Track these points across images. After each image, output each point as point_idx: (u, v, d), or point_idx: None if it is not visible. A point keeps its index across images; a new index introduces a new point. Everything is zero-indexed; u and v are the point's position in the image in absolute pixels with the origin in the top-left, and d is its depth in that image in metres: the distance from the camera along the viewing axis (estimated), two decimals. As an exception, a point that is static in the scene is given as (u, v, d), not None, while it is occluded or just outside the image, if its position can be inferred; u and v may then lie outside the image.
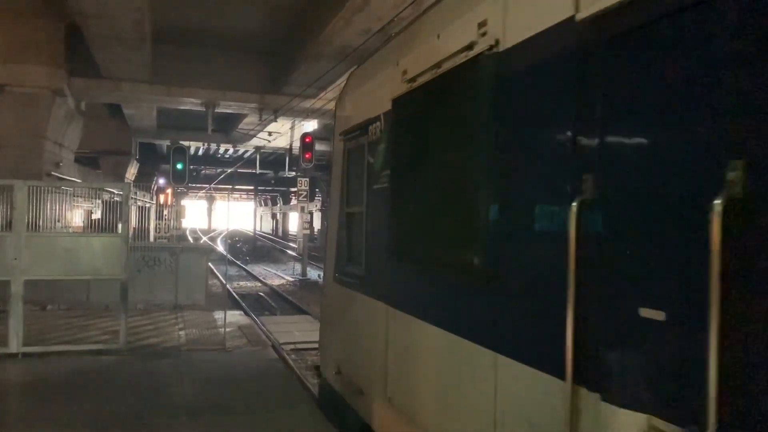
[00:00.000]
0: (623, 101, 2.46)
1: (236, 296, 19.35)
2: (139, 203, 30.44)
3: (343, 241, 6.52)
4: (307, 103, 17.61)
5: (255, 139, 27.92)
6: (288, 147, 30.01)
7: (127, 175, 28.90)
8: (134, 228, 26.29)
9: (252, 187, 56.12)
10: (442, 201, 4.03)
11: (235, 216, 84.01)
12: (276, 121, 22.47)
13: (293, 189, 39.00)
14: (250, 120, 24.08)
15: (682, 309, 2.12)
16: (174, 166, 20.74)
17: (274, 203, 77.46)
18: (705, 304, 1.94)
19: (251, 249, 44.89)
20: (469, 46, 3.69)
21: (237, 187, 61.42)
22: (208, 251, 17.03)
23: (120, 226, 9.61)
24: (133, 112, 24.01)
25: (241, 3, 15.07)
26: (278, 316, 16.79)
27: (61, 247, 8.97)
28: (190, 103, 20.47)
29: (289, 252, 41.40)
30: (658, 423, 2.14)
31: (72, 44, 16.45)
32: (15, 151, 16.06)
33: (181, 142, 23.15)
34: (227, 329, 10.64)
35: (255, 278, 26.48)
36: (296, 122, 23.89)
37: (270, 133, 26.15)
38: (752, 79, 1.92)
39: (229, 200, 68.14)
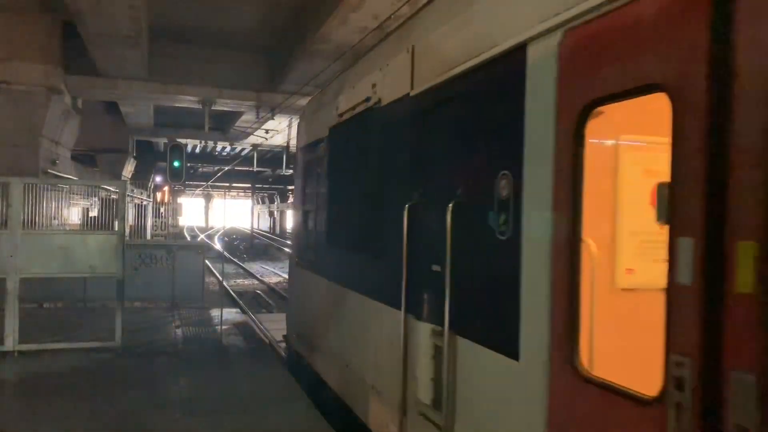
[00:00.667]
0: (429, 145, 4.27)
1: (233, 294, 19.34)
2: (137, 201, 30.43)
3: (301, 233, 8.52)
4: (304, 101, 17.57)
5: (252, 136, 27.87)
6: (285, 145, 29.97)
7: (124, 173, 28.87)
8: (132, 226, 26.36)
9: (249, 185, 56.03)
10: (354, 205, 5.87)
11: (233, 214, 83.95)
12: (273, 119, 22.45)
13: (291, 187, 38.97)
14: (248, 118, 24.03)
15: (443, 264, 3.80)
16: (171, 163, 20.70)
17: (272, 201, 77.39)
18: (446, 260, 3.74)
19: (248, 247, 44.87)
20: (367, 99, 5.51)
21: (234, 185, 61.40)
22: (205, 249, 17.02)
23: (116, 223, 9.61)
24: (130, 109, 23.95)
25: (238, 0, 15.05)
26: (275, 314, 16.78)
27: (57, 244, 8.96)
28: (187, 101, 20.44)
29: (287, 249, 41.41)
30: (435, 328, 4.01)
31: (68, 41, 16.41)
32: (11, 149, 16.02)
33: (179, 140, 23.12)
34: (224, 327, 10.66)
35: (252, 276, 26.48)
36: (293, 120, 23.86)
37: (267, 131, 26.12)
38: (467, 141, 3.77)
39: (225, 198, 68.12)
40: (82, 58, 16.57)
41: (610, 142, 3.14)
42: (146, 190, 36.39)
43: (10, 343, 8.62)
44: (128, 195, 27.58)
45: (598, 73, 2.66)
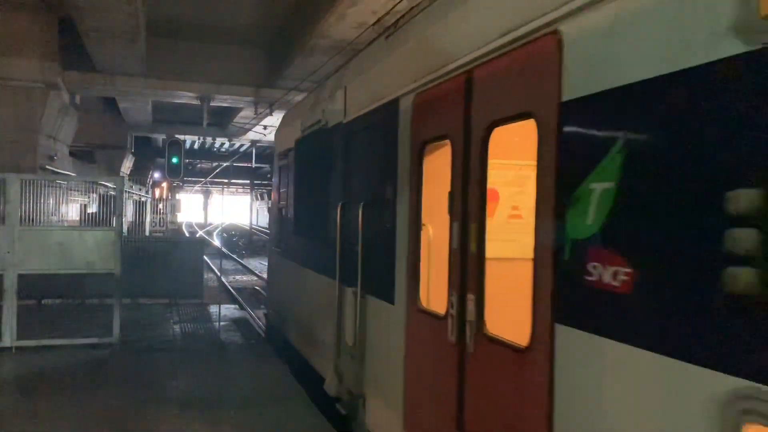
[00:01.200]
0: (353, 159, 5.99)
1: (232, 290, 19.33)
2: (135, 197, 30.38)
3: (276, 225, 10.37)
4: (302, 97, 17.53)
5: (251, 132, 27.80)
6: (284, 141, 29.86)
7: (122, 169, 28.82)
8: (131, 222, 26.29)
9: (248, 181, 55.98)
10: (310, 203, 7.65)
11: (232, 210, 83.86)
12: (272, 115, 22.34)
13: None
14: (246, 114, 23.98)
15: (358, 246, 5.45)
16: (169, 159, 20.65)
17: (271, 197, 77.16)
18: (358, 243, 5.45)
19: (247, 243, 44.84)
20: (319, 121, 7.28)
21: (233, 181, 61.29)
22: (204, 245, 17.00)
23: (114, 219, 9.59)
24: (129, 105, 23.89)
25: (236, -4, 15.01)
26: (274, 310, 16.77)
27: (55, 240, 8.95)
28: (186, 97, 20.38)
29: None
30: (356, 290, 5.58)
31: (66, 37, 16.36)
32: (9, 145, 15.99)
33: (177, 136, 23.05)
34: (222, 323, 10.66)
35: (251, 272, 26.45)
36: (292, 116, 23.75)
37: (266, 127, 26.03)
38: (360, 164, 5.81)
39: (223, 194, 68.05)
40: (80, 54, 16.51)
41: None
42: (145, 186, 36.31)
43: (8, 339, 8.62)
44: (127, 191, 27.51)
45: (427, 123, 4.38)
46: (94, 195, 21.97)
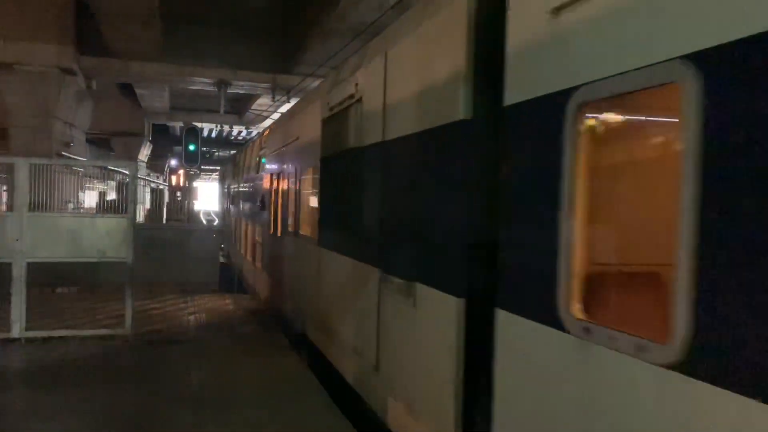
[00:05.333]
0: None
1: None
2: (153, 185, 30.25)
3: (228, 203, 19.43)
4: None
5: (268, 120, 27.51)
6: (301, 128, 29.49)
7: (140, 157, 28.68)
8: (148, 209, 26.17)
9: (266, 170, 55.67)
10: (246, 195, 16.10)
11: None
12: (289, 102, 22.01)
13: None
14: (263, 101, 23.67)
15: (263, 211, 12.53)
16: (186, 146, 20.45)
17: (288, 186, 77.02)
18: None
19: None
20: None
21: (251, 169, 61.13)
22: (221, 233, 16.79)
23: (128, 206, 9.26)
24: (145, 92, 23.69)
25: (253, -22, 14.62)
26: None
27: (65, 228, 8.66)
28: (202, 83, 20.11)
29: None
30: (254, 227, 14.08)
31: (82, 22, 16.13)
32: (24, 131, 15.84)
33: (194, 123, 22.84)
34: (238, 313, 10.35)
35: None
36: (310, 103, 23.37)
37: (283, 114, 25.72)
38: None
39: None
40: (96, 39, 16.27)
41: None
42: (162, 174, 36.22)
43: (17, 330, 8.35)
44: (145, 179, 27.34)
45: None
46: (113, 182, 21.85)
